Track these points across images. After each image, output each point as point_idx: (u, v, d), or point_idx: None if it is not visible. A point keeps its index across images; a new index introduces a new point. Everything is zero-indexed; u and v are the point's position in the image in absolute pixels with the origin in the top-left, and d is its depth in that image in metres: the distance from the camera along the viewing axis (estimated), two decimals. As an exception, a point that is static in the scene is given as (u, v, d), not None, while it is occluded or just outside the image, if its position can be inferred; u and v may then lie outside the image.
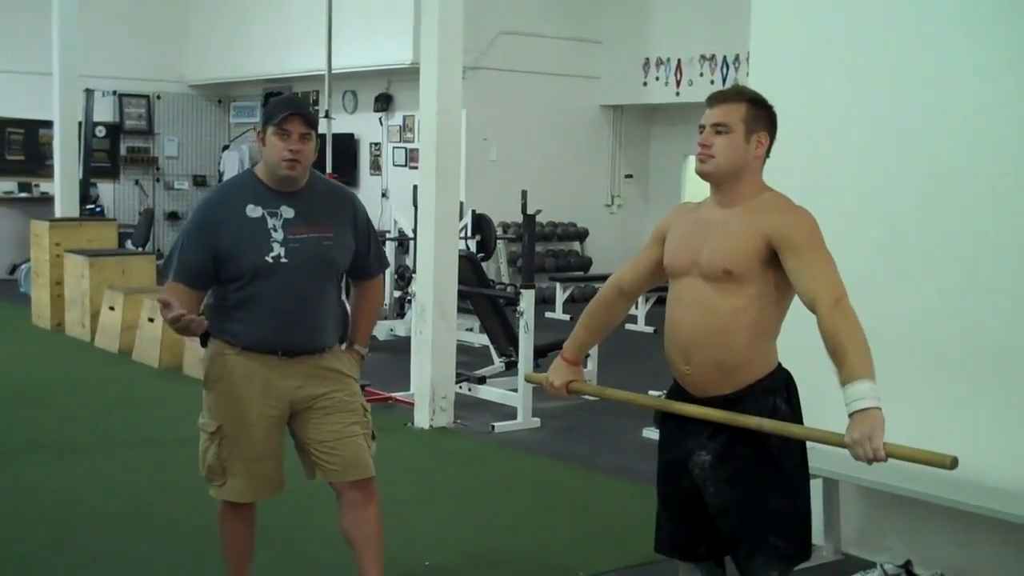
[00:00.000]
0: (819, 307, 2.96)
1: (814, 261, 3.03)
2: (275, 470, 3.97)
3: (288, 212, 3.80)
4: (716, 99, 3.21)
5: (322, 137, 9.07)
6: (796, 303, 3.14)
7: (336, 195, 4.03)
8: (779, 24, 5.33)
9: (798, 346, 3.36)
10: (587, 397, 8.17)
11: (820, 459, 4.89)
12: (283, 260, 3.76)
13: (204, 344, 3.95)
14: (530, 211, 8.23)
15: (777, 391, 3.19)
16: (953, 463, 2.79)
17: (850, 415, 2.84)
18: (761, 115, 3.20)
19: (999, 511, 4.35)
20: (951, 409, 4.68)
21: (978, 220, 4.62)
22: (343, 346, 4.06)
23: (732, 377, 3.15)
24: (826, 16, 5.16)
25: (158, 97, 17.35)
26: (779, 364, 3.24)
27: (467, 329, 9.80)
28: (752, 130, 3.17)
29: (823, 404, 3.38)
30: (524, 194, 8.56)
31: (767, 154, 3.24)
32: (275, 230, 3.77)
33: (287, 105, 3.81)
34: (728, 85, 13.05)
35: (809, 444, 4.37)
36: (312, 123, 3.78)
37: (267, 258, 3.75)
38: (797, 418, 3.21)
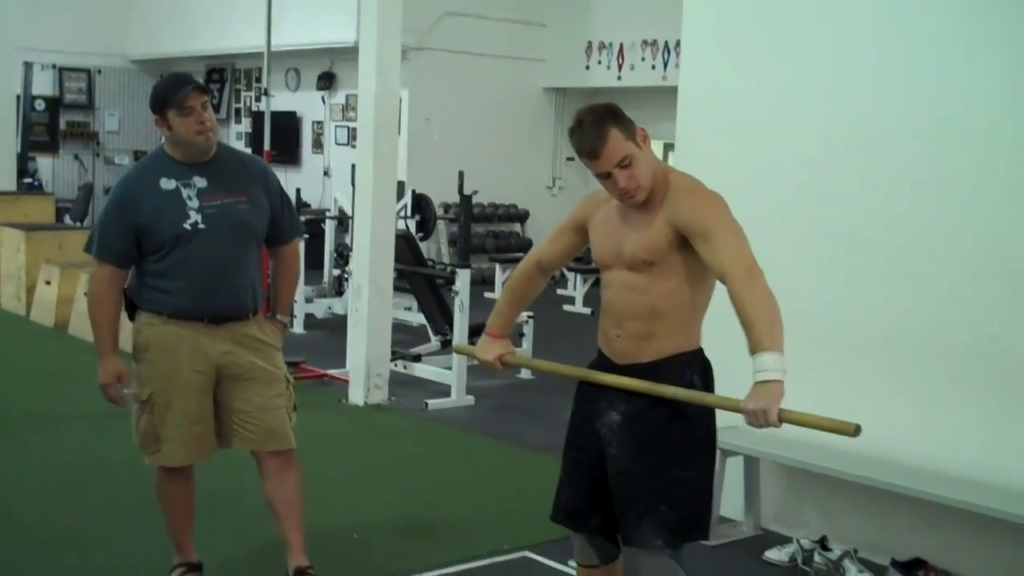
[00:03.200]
0: (729, 280, 3.05)
1: (721, 238, 3.10)
2: (207, 433, 4.07)
3: (201, 182, 3.93)
4: (596, 146, 3.15)
5: (261, 115, 9.15)
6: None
7: (246, 162, 4.17)
8: (710, 10, 5.44)
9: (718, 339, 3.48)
10: (521, 376, 8.34)
11: (741, 437, 5.05)
12: (201, 226, 3.89)
13: (132, 318, 4.05)
14: (467, 191, 8.30)
15: (695, 367, 3.29)
16: (856, 430, 2.88)
17: (753, 384, 2.94)
18: (622, 117, 3.21)
19: (910, 488, 4.50)
20: (870, 392, 4.83)
21: (898, 208, 4.76)
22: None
23: (655, 344, 3.25)
24: (751, 4, 5.27)
25: (99, 71, 17.23)
26: (701, 348, 3.34)
27: (405, 308, 9.86)
28: (633, 136, 3.20)
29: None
30: (461, 175, 8.64)
31: None
32: (190, 199, 3.90)
33: (178, 83, 3.89)
34: (667, 71, 13.24)
35: (731, 423, 4.53)
36: (205, 88, 3.93)
37: (185, 225, 3.87)
38: None
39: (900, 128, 4.75)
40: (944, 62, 4.63)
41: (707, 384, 3.32)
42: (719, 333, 3.37)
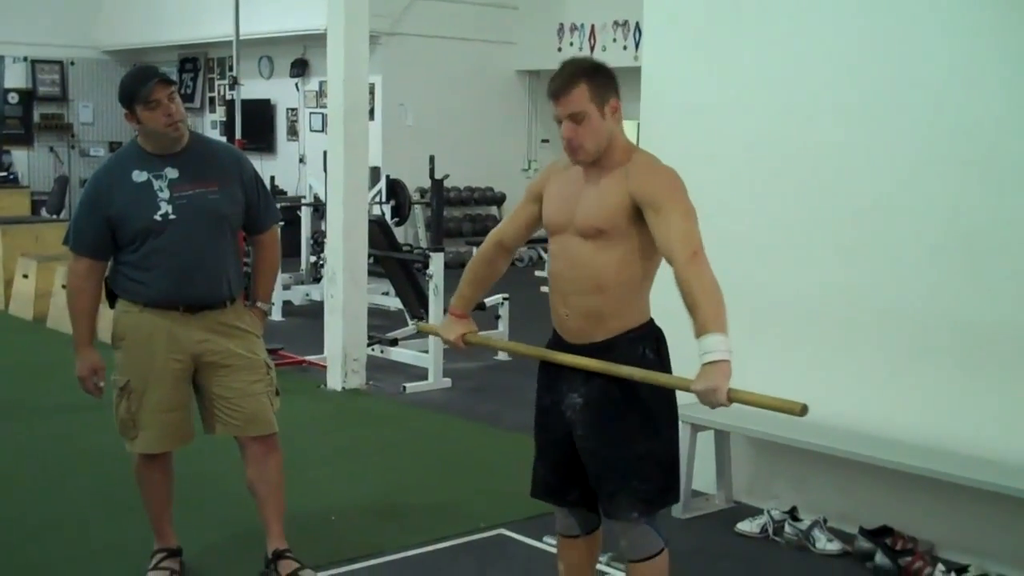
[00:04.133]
0: (675, 262, 3.11)
1: (672, 217, 3.15)
2: (184, 421, 4.15)
3: (172, 173, 3.97)
4: (559, 90, 3.23)
5: (232, 103, 9.17)
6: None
7: (219, 152, 4.20)
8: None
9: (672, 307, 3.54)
10: (498, 357, 8.42)
11: (711, 411, 5.09)
12: (172, 217, 3.94)
13: (112, 305, 4.11)
14: (439, 176, 8.35)
15: (647, 341, 3.35)
16: (802, 410, 2.94)
17: (701, 366, 3.01)
18: (604, 83, 3.26)
19: (876, 457, 4.59)
20: (835, 365, 4.92)
21: (857, 184, 4.84)
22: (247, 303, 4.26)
23: (605, 323, 3.31)
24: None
25: (72, 63, 17.16)
26: (652, 319, 3.40)
27: (383, 293, 9.92)
28: (603, 102, 3.24)
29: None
30: (432, 159, 8.68)
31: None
32: (161, 191, 3.95)
33: (143, 78, 3.93)
34: (638, 51, 13.27)
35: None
36: (170, 80, 3.97)
37: (156, 217, 3.93)
38: (665, 369, 3.36)
39: (856, 105, 4.82)
40: (898, 40, 4.70)
41: (661, 356, 3.37)
42: (669, 312, 3.42)
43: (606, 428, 3.34)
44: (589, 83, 3.22)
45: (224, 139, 11.08)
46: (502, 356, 8.55)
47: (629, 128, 5.98)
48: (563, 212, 3.37)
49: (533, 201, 3.54)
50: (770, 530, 4.91)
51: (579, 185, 3.35)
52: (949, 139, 4.56)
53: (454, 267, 13.01)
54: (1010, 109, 4.41)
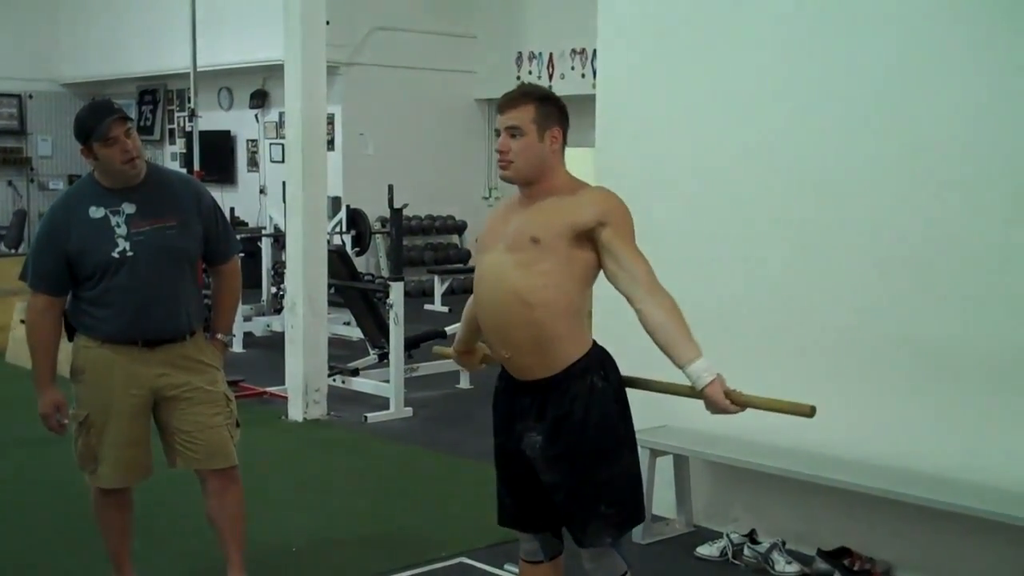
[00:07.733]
0: (636, 300, 3.21)
1: (630, 251, 3.24)
2: (143, 456, 4.12)
3: (129, 208, 3.95)
4: (505, 104, 3.34)
5: (190, 135, 9.18)
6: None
7: (176, 184, 4.16)
8: (622, 19, 5.59)
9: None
10: (459, 386, 8.45)
11: (671, 436, 5.17)
12: (129, 253, 3.91)
13: (71, 339, 4.09)
14: (398, 205, 8.38)
15: (593, 370, 3.34)
16: (811, 411, 3.14)
17: (700, 392, 3.18)
18: (551, 111, 3.33)
19: (832, 479, 4.63)
20: (786, 385, 4.93)
21: (807, 204, 4.91)
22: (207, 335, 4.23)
23: (548, 359, 3.30)
24: (663, 12, 5.43)
25: (30, 96, 17.09)
26: (594, 343, 3.40)
27: (344, 323, 9.91)
28: (544, 128, 3.30)
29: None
30: (390, 188, 8.71)
31: (564, 145, 3.38)
32: (118, 226, 3.92)
33: (99, 115, 3.90)
34: (596, 79, 13.38)
35: (661, 423, 4.66)
36: (127, 116, 3.94)
37: (113, 254, 3.90)
38: (618, 393, 3.37)
39: (809, 124, 4.89)
40: (848, 59, 4.76)
41: (610, 380, 3.36)
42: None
43: (566, 461, 3.34)
44: (537, 105, 3.31)
45: (184, 171, 11.08)
46: (463, 384, 8.56)
47: (586, 155, 5.93)
48: (495, 231, 3.39)
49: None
50: (730, 553, 4.94)
51: (518, 207, 3.38)
52: (898, 157, 4.62)
53: (415, 296, 13.05)
54: (959, 127, 4.47)
